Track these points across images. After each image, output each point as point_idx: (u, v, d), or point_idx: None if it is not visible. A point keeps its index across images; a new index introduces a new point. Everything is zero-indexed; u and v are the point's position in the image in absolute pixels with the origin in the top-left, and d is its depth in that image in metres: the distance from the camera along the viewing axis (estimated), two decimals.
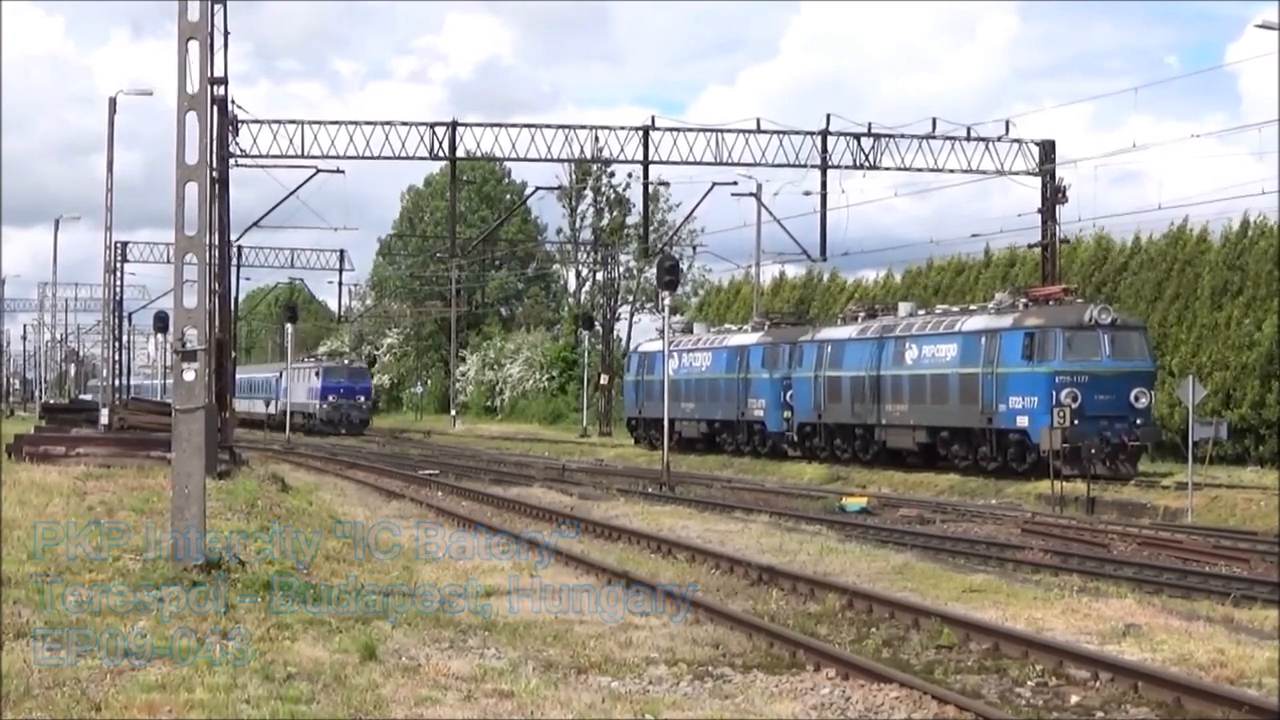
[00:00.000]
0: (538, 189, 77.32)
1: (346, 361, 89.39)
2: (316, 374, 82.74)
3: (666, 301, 43.08)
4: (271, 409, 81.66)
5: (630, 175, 75.71)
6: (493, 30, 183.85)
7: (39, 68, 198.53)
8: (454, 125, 41.24)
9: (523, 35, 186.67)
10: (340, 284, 75.73)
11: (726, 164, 42.12)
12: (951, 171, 42.15)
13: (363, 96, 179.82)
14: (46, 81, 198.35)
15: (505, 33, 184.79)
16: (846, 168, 41.93)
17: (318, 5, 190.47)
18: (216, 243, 36.54)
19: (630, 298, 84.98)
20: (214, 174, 33.62)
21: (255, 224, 48.40)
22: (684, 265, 70.29)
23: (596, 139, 41.65)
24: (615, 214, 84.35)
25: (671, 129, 41.56)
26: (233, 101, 38.94)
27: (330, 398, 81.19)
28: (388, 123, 40.98)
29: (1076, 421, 35.18)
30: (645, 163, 42.07)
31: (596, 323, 77.86)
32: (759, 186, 53.67)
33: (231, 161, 39.55)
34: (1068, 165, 42.89)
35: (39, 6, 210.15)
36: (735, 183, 50.71)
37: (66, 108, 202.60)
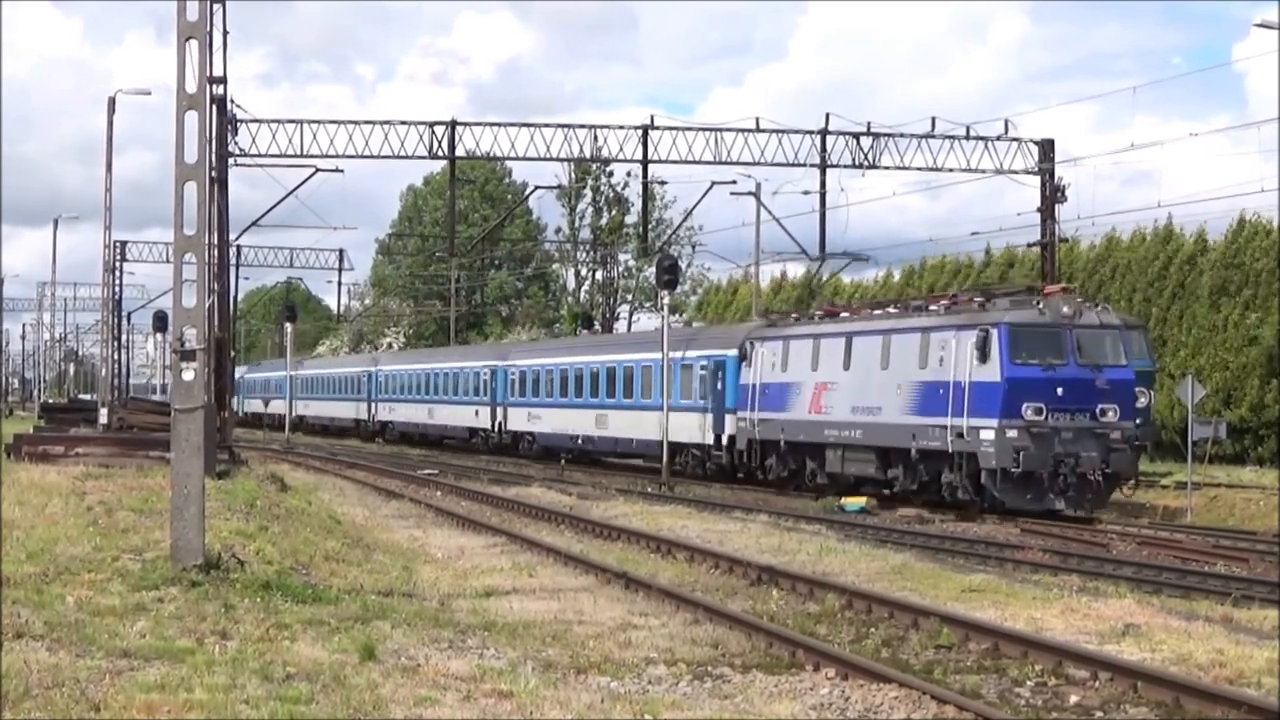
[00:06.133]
0: (537, 188, 77.42)
1: (1073, 310, 30.32)
2: (979, 350, 29.40)
3: (665, 300, 43.12)
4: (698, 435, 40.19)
5: (629, 174, 75.92)
6: (514, 32, 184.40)
7: (60, 71, 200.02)
8: (453, 125, 41.20)
9: (543, 37, 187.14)
10: (339, 283, 75.54)
11: (726, 163, 42.08)
12: (950, 171, 42.15)
13: (383, 100, 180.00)
14: (68, 84, 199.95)
15: (527, 35, 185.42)
16: (845, 167, 41.94)
17: (341, 6, 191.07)
18: (215, 242, 36.53)
19: (629, 297, 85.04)
20: (213, 173, 33.62)
21: (254, 223, 48.47)
22: (683, 264, 70.26)
23: (596, 138, 41.63)
24: (614, 213, 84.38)
25: (671, 128, 41.57)
26: (232, 101, 38.96)
27: (1033, 408, 28.87)
28: (387, 122, 40.96)
29: None
30: (645, 162, 42.04)
31: (596, 322, 77.86)
32: (758, 186, 53.64)
33: (231, 161, 39.53)
34: (1068, 164, 42.90)
35: (57, 7, 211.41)
36: (734, 181, 50.71)
37: (87, 110, 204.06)
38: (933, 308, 32.27)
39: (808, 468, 35.34)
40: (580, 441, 47.19)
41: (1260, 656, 12.85)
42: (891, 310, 34.18)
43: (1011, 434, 28.62)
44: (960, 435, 29.45)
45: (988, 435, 28.89)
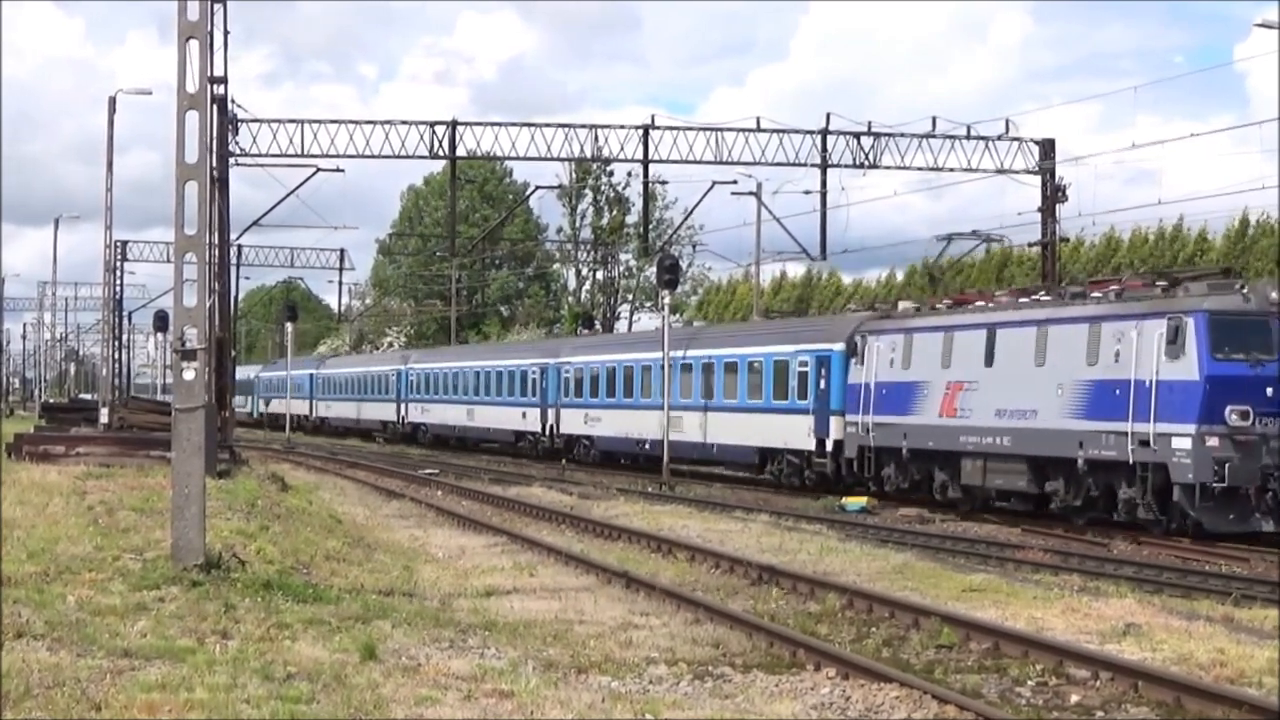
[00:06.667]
0: (538, 188, 77.49)
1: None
2: (1170, 342, 24.97)
3: (666, 300, 43.13)
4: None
5: (630, 174, 75.98)
6: (517, 32, 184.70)
7: (62, 70, 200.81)
8: (454, 124, 41.18)
9: (546, 37, 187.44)
10: (340, 283, 75.50)
11: (726, 163, 42.06)
12: (951, 170, 42.16)
13: (386, 99, 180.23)
14: (70, 84, 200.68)
15: (530, 34, 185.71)
16: (846, 167, 41.94)
17: (344, 6, 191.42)
18: (216, 242, 36.52)
19: (630, 296, 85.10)
20: (214, 173, 33.61)
21: (255, 223, 48.51)
22: (684, 264, 70.31)
23: (596, 138, 41.62)
24: (615, 213, 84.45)
25: (671, 128, 41.56)
26: (233, 100, 38.96)
27: (1238, 412, 24.18)
28: (388, 122, 40.94)
29: None
30: (645, 161, 42.04)
31: (596, 321, 77.90)
32: (759, 185, 53.70)
33: (231, 160, 39.53)
34: (1069, 164, 42.90)
35: (59, 7, 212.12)
36: (735, 181, 50.74)
37: (89, 110, 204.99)
38: (1095, 294, 27.53)
39: (936, 479, 30.58)
40: (648, 446, 42.57)
41: (1261, 656, 12.86)
42: (1044, 297, 29.13)
43: (1212, 442, 23.90)
44: (1145, 444, 24.83)
45: (1182, 444, 24.18)
